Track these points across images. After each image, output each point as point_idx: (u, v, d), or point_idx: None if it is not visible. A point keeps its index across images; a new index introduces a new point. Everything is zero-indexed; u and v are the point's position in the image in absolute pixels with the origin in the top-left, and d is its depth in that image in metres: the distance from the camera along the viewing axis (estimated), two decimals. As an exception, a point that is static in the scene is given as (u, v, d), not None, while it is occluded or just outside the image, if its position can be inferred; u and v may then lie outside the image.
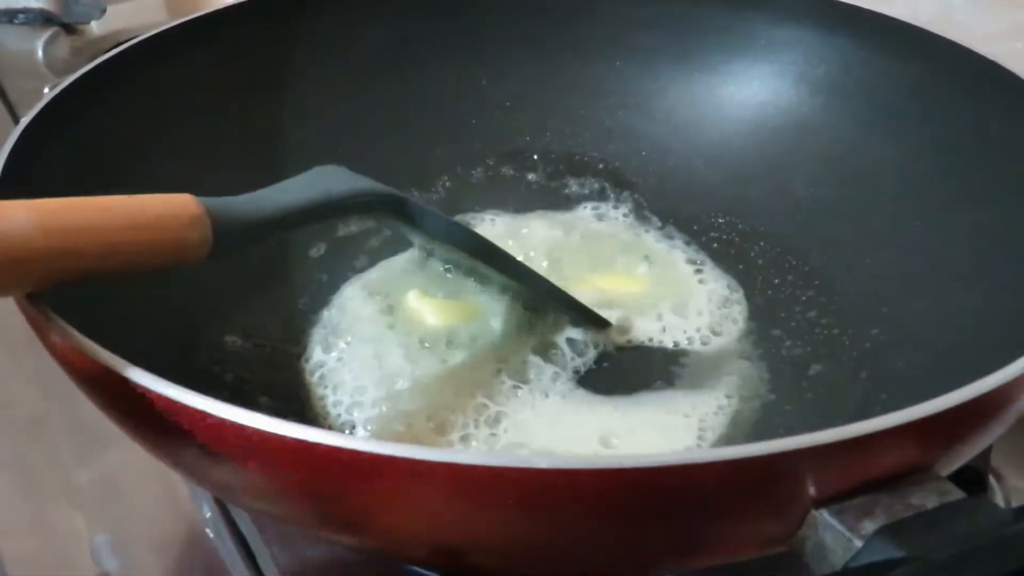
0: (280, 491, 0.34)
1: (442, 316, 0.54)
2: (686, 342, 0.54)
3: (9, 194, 0.42)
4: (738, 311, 0.56)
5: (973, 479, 0.48)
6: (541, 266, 0.58)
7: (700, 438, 0.49)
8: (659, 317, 0.56)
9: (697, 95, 0.63)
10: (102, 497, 0.50)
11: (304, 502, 0.34)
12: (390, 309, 0.55)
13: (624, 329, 0.55)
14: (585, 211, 0.63)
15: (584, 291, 0.56)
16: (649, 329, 0.55)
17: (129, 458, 0.50)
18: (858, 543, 0.31)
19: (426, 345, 0.53)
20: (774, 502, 0.33)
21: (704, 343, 0.54)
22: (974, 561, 0.30)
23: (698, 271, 0.59)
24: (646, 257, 0.59)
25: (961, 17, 0.72)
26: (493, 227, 0.61)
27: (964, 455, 0.36)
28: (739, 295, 0.57)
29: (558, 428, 0.49)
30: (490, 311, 0.55)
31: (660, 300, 0.57)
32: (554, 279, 0.55)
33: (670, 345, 0.54)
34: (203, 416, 0.32)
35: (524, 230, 0.61)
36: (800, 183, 0.60)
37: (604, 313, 0.55)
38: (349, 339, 0.53)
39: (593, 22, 0.64)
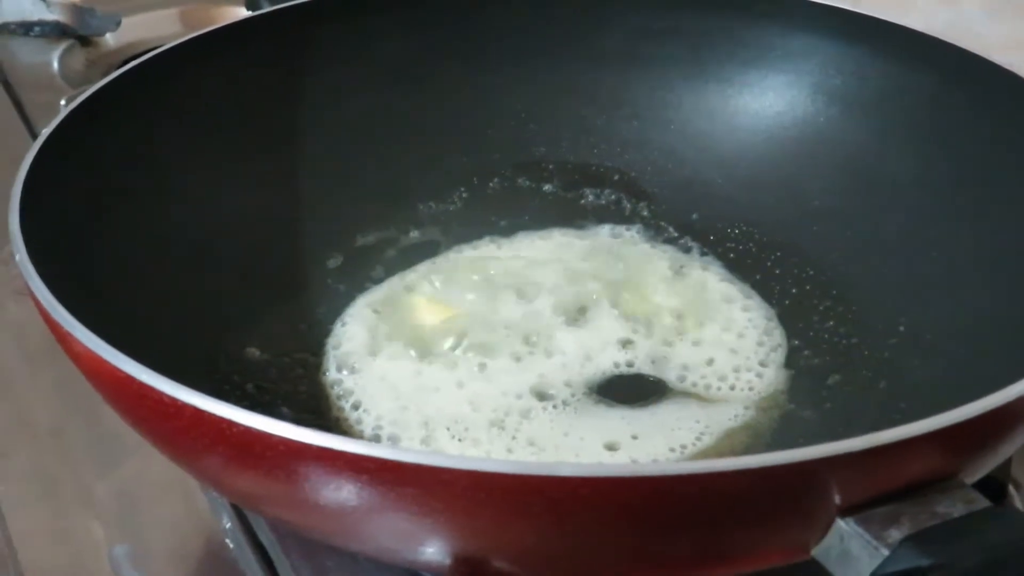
0: (304, 500, 0.34)
1: (447, 318, 0.54)
2: (714, 375, 0.53)
3: (31, 210, 0.43)
4: (779, 335, 0.55)
5: (993, 489, 0.48)
6: (568, 291, 0.57)
7: (698, 439, 0.49)
8: (679, 334, 0.55)
9: (712, 105, 0.63)
10: (121, 507, 0.50)
11: (328, 511, 0.34)
12: (404, 322, 0.55)
13: (644, 346, 0.54)
14: (603, 227, 0.63)
15: (608, 312, 0.56)
16: (669, 345, 0.54)
17: (148, 469, 0.51)
18: (884, 552, 0.31)
19: (441, 358, 0.53)
20: (799, 510, 0.33)
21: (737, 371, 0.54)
22: (1002, 569, 0.30)
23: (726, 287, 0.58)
24: (668, 274, 0.59)
25: (977, 27, 0.72)
26: (512, 245, 0.61)
27: (989, 463, 0.36)
28: (775, 322, 0.56)
29: (570, 438, 0.49)
30: (503, 321, 0.55)
31: (682, 317, 0.56)
32: (573, 302, 0.56)
33: (691, 362, 0.54)
34: (229, 424, 0.32)
35: (543, 250, 0.61)
36: (816, 193, 0.59)
37: (628, 332, 0.55)
38: (363, 353, 0.53)
39: (608, 33, 0.64)
